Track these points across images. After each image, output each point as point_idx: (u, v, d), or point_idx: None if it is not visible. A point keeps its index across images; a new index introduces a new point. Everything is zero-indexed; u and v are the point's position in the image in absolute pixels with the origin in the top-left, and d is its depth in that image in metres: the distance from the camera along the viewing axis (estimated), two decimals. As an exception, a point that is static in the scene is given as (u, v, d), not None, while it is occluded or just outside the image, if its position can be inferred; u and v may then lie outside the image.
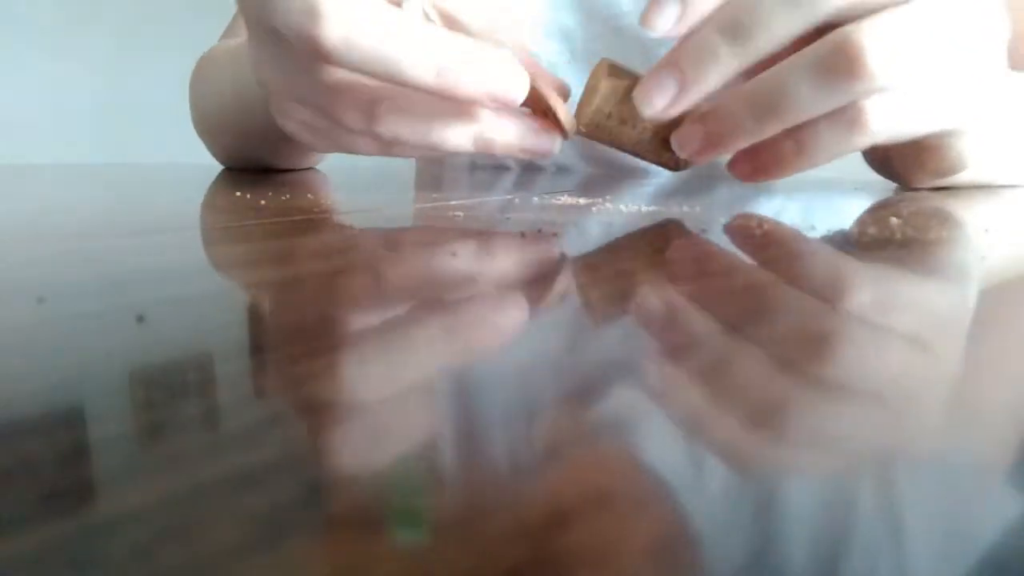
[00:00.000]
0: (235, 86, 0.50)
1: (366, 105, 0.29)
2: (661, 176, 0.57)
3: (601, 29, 0.60)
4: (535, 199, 0.36)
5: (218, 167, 0.55)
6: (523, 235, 0.23)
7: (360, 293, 0.16)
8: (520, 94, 0.28)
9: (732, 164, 0.32)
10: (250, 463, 0.08)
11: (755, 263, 0.21)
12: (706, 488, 0.08)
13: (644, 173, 0.60)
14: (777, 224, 0.28)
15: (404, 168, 0.69)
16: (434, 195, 0.40)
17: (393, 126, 0.30)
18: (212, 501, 0.07)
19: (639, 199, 0.35)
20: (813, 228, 0.26)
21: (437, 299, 0.16)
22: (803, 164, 0.30)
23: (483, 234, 0.25)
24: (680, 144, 0.31)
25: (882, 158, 0.39)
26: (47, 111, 1.77)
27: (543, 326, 0.14)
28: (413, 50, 0.27)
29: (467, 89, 0.27)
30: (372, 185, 0.49)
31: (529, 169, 0.66)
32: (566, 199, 0.35)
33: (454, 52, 0.27)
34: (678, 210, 0.31)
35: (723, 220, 0.28)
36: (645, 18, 0.28)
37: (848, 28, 0.27)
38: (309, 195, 0.37)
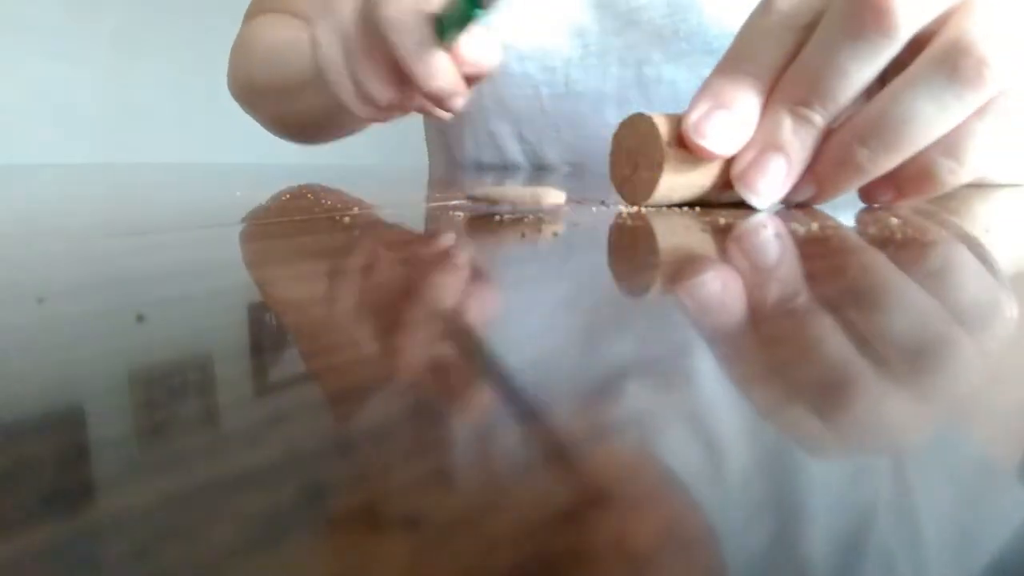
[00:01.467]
0: (301, 59, 0.56)
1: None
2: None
3: (616, 24, 0.59)
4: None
5: (218, 167, 0.55)
6: (523, 235, 0.23)
7: (359, 293, 0.16)
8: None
9: (867, 192, 0.31)
10: (250, 463, 0.08)
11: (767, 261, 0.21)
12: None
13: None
14: (783, 223, 0.28)
15: (406, 169, 0.69)
16: (436, 195, 0.40)
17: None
18: (212, 501, 0.07)
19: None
20: (811, 228, 0.26)
21: (437, 299, 0.16)
22: (962, 175, 0.28)
23: (483, 234, 0.25)
24: (792, 199, 0.30)
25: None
26: (47, 111, 1.77)
27: (543, 323, 0.14)
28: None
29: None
30: (373, 186, 0.49)
31: (541, 169, 0.66)
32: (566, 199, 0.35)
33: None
34: (679, 210, 0.31)
35: (723, 220, 0.28)
36: (694, 139, 0.28)
37: (957, 33, 0.25)
38: (309, 195, 0.37)
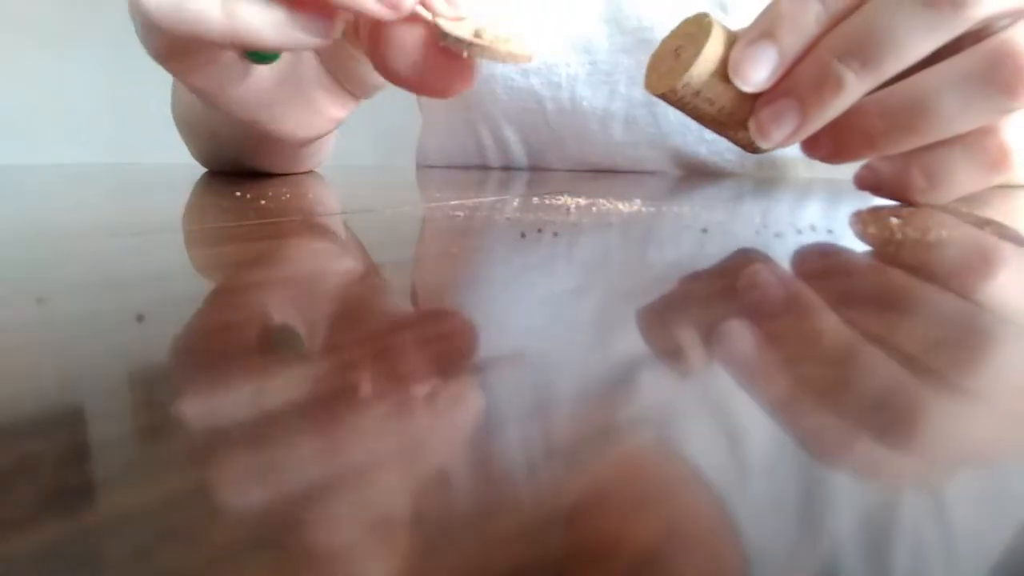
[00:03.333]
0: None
1: None
2: (661, 176, 0.57)
3: (626, 41, 0.57)
4: (535, 199, 0.36)
5: (218, 167, 0.55)
6: (523, 235, 0.23)
7: (361, 293, 0.16)
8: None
9: (859, 177, 0.30)
10: (250, 463, 0.08)
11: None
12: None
13: (643, 174, 0.60)
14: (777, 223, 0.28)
15: (407, 170, 0.69)
16: (435, 195, 0.40)
17: None
18: (212, 501, 0.07)
19: (639, 198, 0.35)
20: (813, 228, 0.26)
21: (436, 301, 0.16)
22: (932, 197, 0.29)
23: (483, 235, 0.25)
24: (809, 150, 0.29)
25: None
26: (47, 111, 1.77)
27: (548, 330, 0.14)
28: None
29: None
30: (374, 186, 0.49)
31: (539, 170, 0.66)
32: (566, 199, 0.35)
33: None
34: (678, 209, 0.31)
35: (722, 219, 0.28)
36: (737, 71, 0.26)
37: (1006, 36, 0.24)
38: (310, 195, 0.37)
